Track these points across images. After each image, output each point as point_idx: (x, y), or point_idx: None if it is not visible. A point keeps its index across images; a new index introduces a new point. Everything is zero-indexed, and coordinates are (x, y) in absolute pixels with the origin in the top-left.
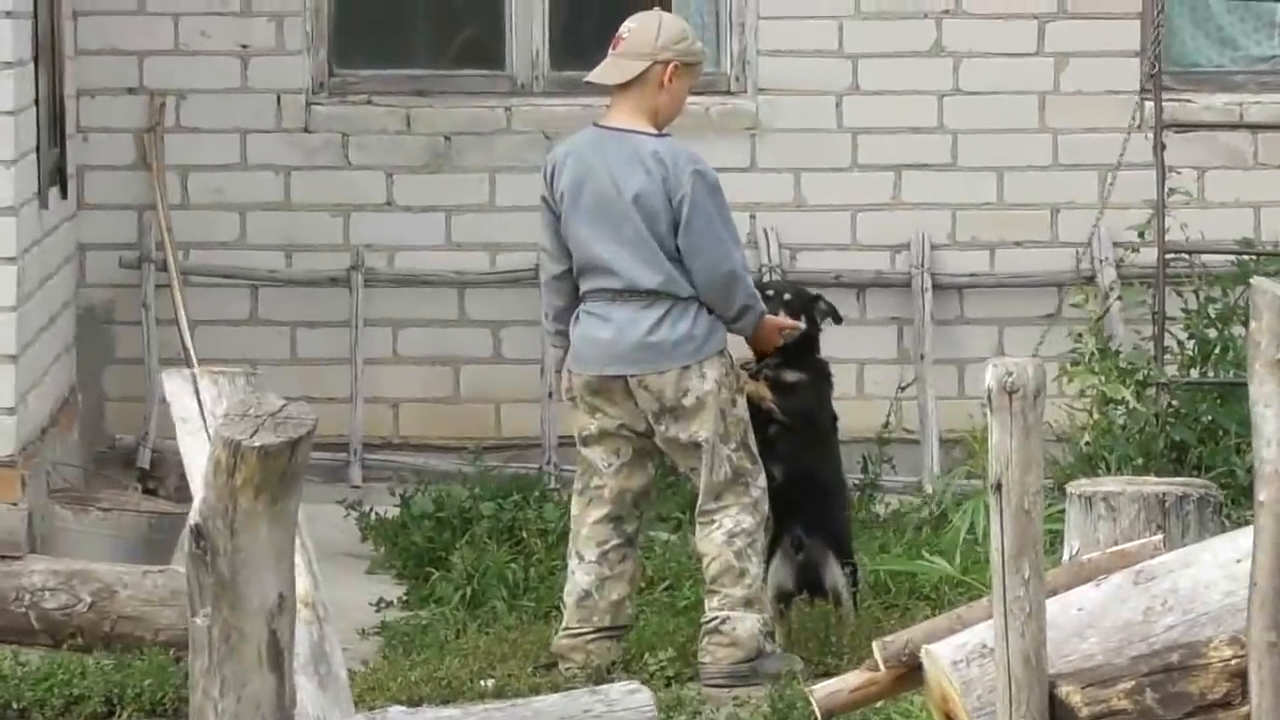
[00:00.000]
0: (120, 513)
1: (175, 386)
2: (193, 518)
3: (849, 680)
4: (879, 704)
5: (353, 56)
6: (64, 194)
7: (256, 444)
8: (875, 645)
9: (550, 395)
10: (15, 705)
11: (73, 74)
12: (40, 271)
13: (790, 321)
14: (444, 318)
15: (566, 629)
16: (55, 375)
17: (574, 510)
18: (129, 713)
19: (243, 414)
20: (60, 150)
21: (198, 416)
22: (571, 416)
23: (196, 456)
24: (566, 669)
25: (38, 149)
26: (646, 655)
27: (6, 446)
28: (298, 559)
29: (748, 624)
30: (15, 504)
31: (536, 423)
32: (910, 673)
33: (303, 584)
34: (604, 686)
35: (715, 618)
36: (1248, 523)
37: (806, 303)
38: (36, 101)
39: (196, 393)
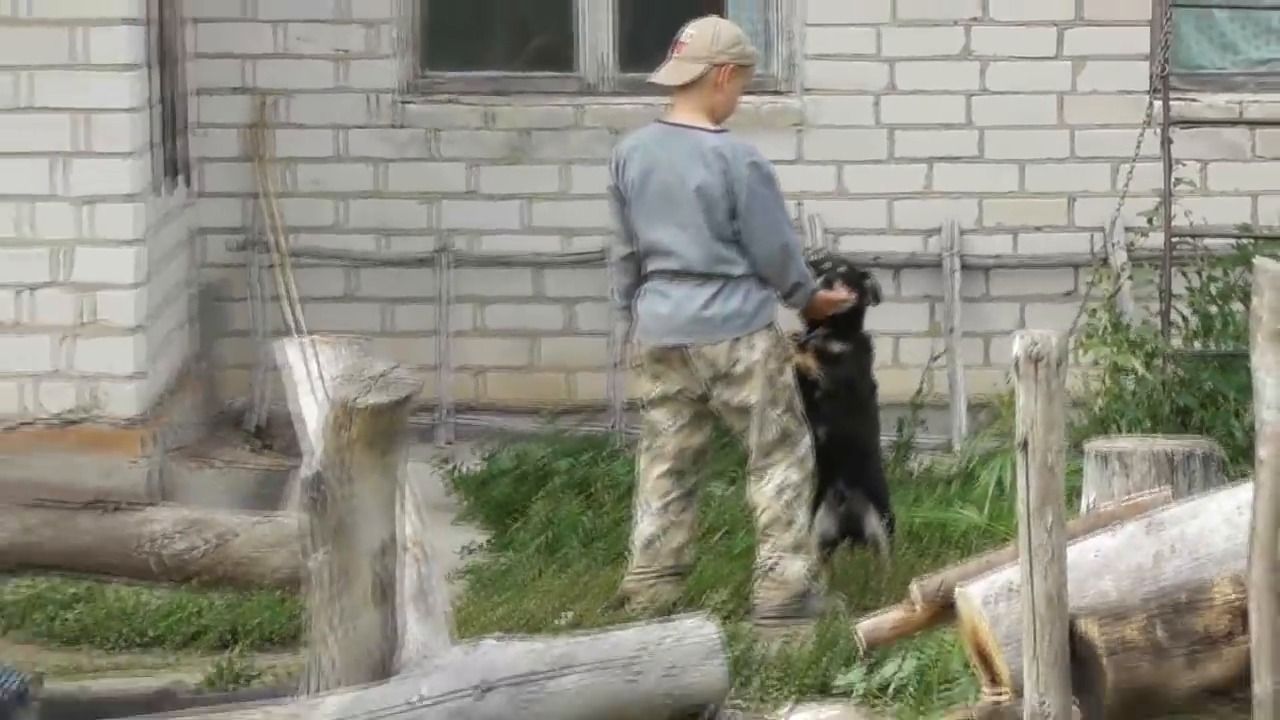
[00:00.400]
0: (234, 468)
1: (293, 353)
2: (310, 469)
3: (889, 616)
4: (914, 636)
5: (439, 60)
6: (184, 183)
7: (367, 403)
8: (913, 585)
9: (617, 364)
10: (141, 640)
11: (193, 74)
12: (160, 253)
13: (841, 295)
14: (522, 295)
15: (634, 571)
16: (176, 346)
17: (640, 466)
18: (246, 644)
19: (354, 376)
20: (175, 143)
21: (314, 379)
22: (637, 383)
23: (311, 415)
24: (633, 607)
25: (161, 142)
26: (706, 594)
27: (130, 408)
28: (406, 504)
29: (796, 567)
30: (139, 460)
31: (606, 389)
32: (943, 610)
33: (410, 527)
34: (675, 620)
35: (767, 561)
36: (1245, 478)
37: (859, 277)
38: (157, 100)
39: (315, 357)
